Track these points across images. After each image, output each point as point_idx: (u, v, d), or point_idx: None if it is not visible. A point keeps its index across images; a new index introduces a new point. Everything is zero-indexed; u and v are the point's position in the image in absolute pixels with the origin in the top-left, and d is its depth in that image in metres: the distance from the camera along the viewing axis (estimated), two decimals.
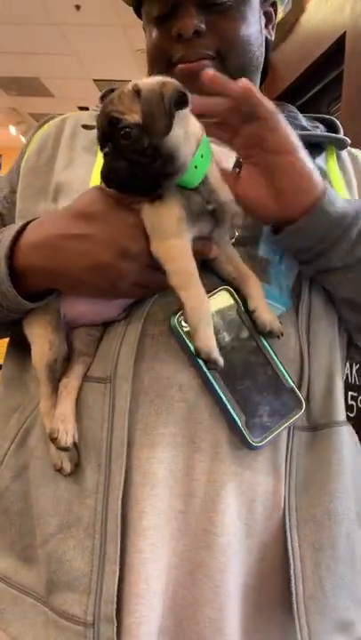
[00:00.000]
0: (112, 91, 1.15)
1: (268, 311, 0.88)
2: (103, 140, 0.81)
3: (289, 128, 0.83)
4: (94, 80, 7.15)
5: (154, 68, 1.07)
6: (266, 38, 1.12)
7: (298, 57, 3.13)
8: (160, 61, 1.05)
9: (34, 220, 0.91)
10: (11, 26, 5.78)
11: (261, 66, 1.11)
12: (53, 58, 6.59)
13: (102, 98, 1.14)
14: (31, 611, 0.88)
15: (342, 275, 0.88)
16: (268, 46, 1.13)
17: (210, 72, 0.78)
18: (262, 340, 0.88)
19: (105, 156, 0.80)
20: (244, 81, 0.78)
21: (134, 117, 0.77)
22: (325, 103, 3.01)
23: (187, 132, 0.81)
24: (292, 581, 0.84)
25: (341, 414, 0.93)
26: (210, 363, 0.77)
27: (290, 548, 0.85)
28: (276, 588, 0.88)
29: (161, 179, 0.79)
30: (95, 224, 0.84)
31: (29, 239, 0.88)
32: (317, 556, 0.86)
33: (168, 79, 0.79)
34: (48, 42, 6.15)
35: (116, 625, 0.79)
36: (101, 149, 0.81)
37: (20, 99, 8.04)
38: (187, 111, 0.81)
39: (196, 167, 0.81)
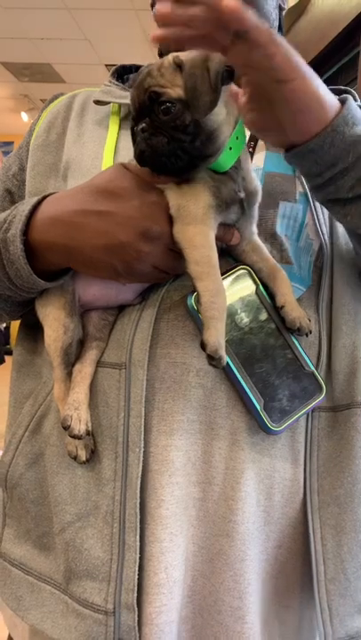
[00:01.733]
0: (123, 68, 1.13)
1: (297, 307, 0.85)
2: (139, 115, 0.77)
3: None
4: (106, 65, 7.11)
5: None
6: (279, 6, 1.08)
7: (312, 38, 3.08)
8: None
9: (50, 194, 0.88)
10: (22, 11, 5.75)
11: None
12: (65, 43, 6.56)
13: (114, 74, 1.13)
14: (49, 598, 0.87)
15: (351, 206, 0.79)
16: (281, 18, 1.10)
17: None
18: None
19: (141, 131, 0.76)
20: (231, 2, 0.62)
21: (176, 92, 0.73)
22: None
23: (228, 110, 0.77)
24: (313, 564, 0.83)
25: None
26: (214, 359, 0.73)
27: (311, 530, 0.84)
28: (293, 573, 0.87)
29: (199, 159, 0.76)
30: (116, 202, 0.81)
31: (46, 214, 0.84)
32: (339, 539, 0.85)
33: (211, 52, 0.74)
34: (60, 27, 6.12)
35: (137, 613, 0.79)
36: (135, 125, 0.77)
37: (31, 85, 8.03)
38: (229, 88, 0.77)
39: (230, 149, 0.78)
